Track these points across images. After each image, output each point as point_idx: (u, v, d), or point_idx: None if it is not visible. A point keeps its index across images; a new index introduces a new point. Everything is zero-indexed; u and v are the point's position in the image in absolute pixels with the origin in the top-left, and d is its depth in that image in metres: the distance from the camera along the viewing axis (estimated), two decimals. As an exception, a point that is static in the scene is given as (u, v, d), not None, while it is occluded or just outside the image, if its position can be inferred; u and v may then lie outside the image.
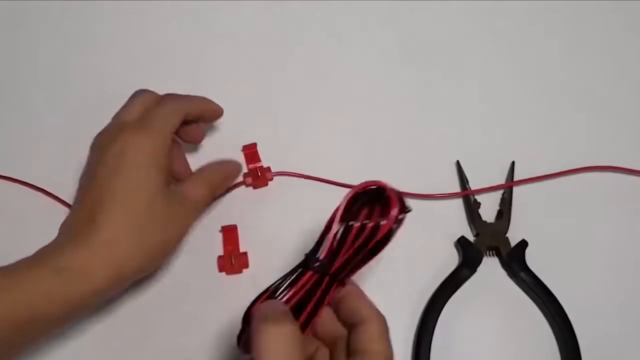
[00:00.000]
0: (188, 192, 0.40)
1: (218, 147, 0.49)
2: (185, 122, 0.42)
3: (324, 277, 0.33)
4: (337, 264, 0.32)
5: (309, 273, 0.33)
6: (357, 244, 0.32)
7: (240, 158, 0.48)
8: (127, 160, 0.37)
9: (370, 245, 0.32)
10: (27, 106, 0.52)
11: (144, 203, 0.37)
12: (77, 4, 0.55)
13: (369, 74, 0.53)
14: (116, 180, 0.37)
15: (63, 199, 0.47)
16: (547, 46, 0.54)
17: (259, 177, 0.47)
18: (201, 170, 0.44)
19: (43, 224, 0.46)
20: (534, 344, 0.44)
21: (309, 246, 0.33)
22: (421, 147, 0.50)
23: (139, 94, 0.42)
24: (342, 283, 0.33)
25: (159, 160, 0.38)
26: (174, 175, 0.44)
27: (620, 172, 0.49)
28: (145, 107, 0.40)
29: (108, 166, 0.37)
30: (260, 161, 0.48)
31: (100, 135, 0.40)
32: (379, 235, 0.32)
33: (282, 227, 0.46)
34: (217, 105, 0.45)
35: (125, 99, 0.42)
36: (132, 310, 0.44)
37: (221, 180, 0.45)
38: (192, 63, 0.53)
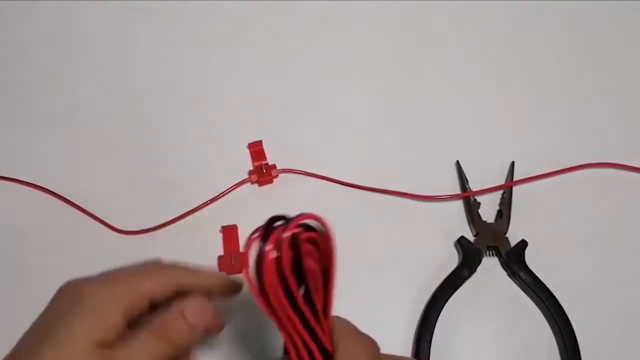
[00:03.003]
0: None
1: (224, 144, 0.49)
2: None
3: None
4: None
5: None
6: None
7: (246, 155, 0.49)
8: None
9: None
10: (28, 106, 0.51)
11: None
12: (77, 4, 0.55)
13: (371, 75, 0.53)
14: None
15: (65, 197, 0.47)
16: (545, 46, 0.54)
17: (264, 174, 0.48)
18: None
19: (43, 224, 0.47)
20: (534, 344, 0.44)
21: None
22: (421, 147, 0.50)
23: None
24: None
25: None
26: None
27: (618, 169, 0.49)
28: None
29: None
30: (265, 159, 0.48)
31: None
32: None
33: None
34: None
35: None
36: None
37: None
38: (194, 63, 0.53)
